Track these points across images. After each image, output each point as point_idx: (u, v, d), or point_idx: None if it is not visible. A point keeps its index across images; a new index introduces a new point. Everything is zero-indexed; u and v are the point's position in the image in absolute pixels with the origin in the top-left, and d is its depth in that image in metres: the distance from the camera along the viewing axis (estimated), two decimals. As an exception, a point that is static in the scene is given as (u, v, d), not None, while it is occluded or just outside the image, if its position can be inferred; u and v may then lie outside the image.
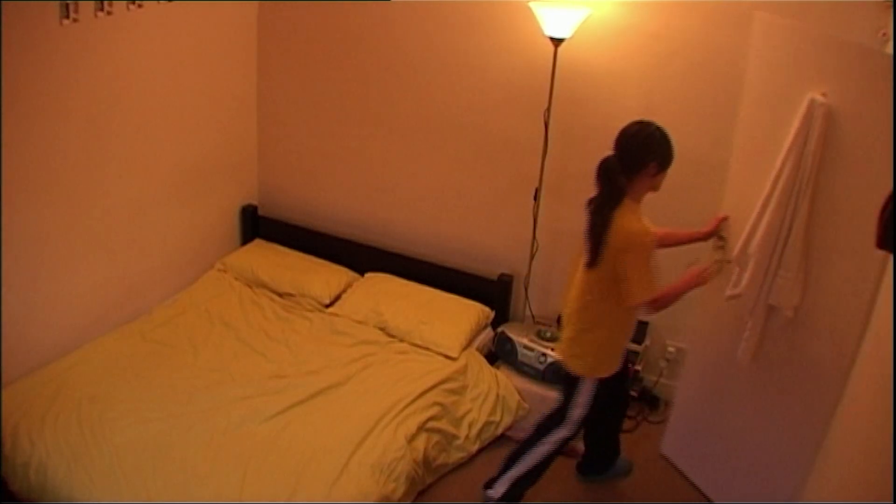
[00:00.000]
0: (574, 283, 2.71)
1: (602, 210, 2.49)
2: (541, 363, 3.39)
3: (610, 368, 2.70)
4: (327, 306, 3.79)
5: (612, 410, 3.05)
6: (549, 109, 3.43)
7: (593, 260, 2.51)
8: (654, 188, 2.56)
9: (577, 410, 2.74)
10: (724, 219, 2.85)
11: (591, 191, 3.57)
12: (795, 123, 2.45)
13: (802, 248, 2.52)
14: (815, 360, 2.60)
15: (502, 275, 3.82)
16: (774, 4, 3.01)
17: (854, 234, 2.38)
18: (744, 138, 2.83)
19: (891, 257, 2.15)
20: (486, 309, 3.77)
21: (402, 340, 3.55)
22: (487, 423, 3.28)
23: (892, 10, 2.70)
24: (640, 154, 2.46)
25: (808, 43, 2.49)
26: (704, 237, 2.88)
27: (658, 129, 2.48)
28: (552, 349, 3.40)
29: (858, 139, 2.33)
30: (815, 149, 2.41)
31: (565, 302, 2.79)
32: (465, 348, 3.52)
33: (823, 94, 2.39)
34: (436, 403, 3.14)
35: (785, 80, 2.56)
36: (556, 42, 3.22)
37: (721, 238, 2.84)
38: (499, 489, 2.85)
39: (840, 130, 2.36)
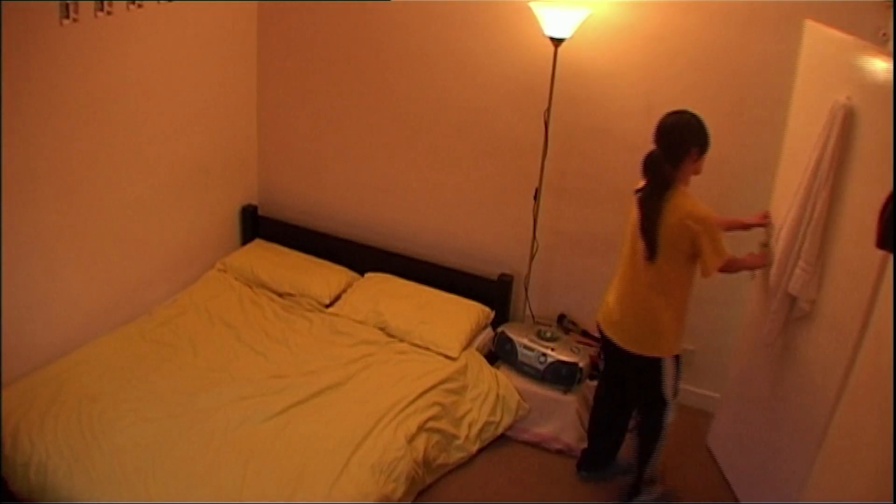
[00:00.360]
0: (627, 278, 2.80)
1: (652, 200, 2.65)
2: (541, 363, 3.39)
3: (682, 344, 2.84)
4: (327, 306, 3.79)
5: (624, 410, 3.11)
6: (549, 109, 3.43)
7: (652, 254, 2.65)
8: (697, 172, 2.70)
9: (669, 388, 2.86)
10: (769, 222, 2.96)
11: (592, 191, 3.60)
12: (821, 125, 2.58)
13: (819, 242, 2.60)
14: (819, 357, 2.63)
15: (502, 275, 3.82)
16: (775, 4, 3.02)
17: (864, 232, 2.40)
18: (790, 140, 2.97)
19: (891, 257, 2.15)
20: (486, 309, 3.77)
21: (402, 340, 3.55)
22: (487, 423, 3.28)
23: (892, 10, 2.71)
24: (681, 142, 2.62)
25: (845, 49, 2.59)
26: (745, 227, 3.01)
27: (693, 115, 2.63)
28: (552, 349, 3.40)
29: (874, 140, 2.40)
30: (833, 148, 2.51)
31: (618, 295, 2.84)
32: (465, 348, 3.52)
33: (847, 98, 2.48)
34: (436, 403, 3.14)
35: (826, 85, 2.66)
36: (556, 42, 3.22)
37: (766, 235, 2.96)
38: (654, 488, 3.06)
39: (859, 132, 2.46)
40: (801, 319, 2.74)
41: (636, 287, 2.77)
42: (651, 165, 2.67)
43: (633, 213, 2.77)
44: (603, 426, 3.15)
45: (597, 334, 3.67)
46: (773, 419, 2.92)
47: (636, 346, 2.81)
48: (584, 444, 3.28)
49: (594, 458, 3.20)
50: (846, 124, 2.47)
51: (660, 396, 2.87)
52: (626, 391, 3.06)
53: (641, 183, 2.74)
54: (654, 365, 2.81)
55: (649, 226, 2.65)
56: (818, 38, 2.78)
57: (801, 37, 2.87)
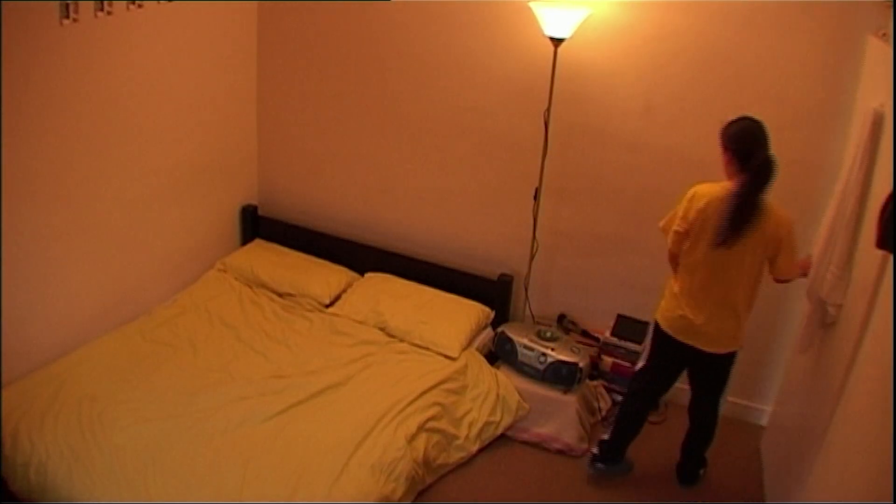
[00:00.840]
0: (707, 284, 2.80)
1: (758, 205, 2.67)
2: (541, 363, 3.39)
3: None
4: (327, 306, 3.79)
5: (653, 406, 3.18)
6: (549, 109, 3.43)
7: (747, 257, 2.72)
8: None
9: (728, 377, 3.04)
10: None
11: (592, 190, 3.59)
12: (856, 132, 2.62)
13: (849, 247, 2.60)
14: (826, 356, 2.65)
15: (502, 275, 3.82)
16: (775, 5, 3.02)
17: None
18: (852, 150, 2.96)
19: (891, 257, 2.15)
20: (486, 309, 3.77)
21: (402, 340, 3.55)
22: (487, 423, 3.28)
23: (892, 10, 2.70)
24: (768, 148, 2.66)
25: (889, 58, 2.59)
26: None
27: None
28: (552, 349, 3.40)
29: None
30: (862, 153, 2.53)
31: (699, 304, 2.83)
32: (465, 348, 3.52)
33: (881, 104, 2.49)
34: (436, 403, 3.14)
35: (874, 94, 2.66)
36: (556, 42, 3.22)
37: None
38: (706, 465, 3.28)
39: (886, 137, 2.46)
40: (833, 325, 2.71)
41: (720, 292, 2.78)
42: (769, 170, 2.63)
43: (711, 218, 2.72)
44: (634, 419, 3.15)
45: (598, 335, 3.69)
46: (790, 421, 2.94)
47: (720, 346, 2.87)
48: (585, 445, 3.29)
49: (614, 451, 3.19)
50: (875, 130, 2.49)
51: (726, 382, 3.03)
52: (663, 388, 3.13)
53: (722, 184, 2.72)
54: (731, 357, 2.94)
55: (751, 230, 2.66)
56: (879, 52, 2.79)
57: (865, 51, 2.90)
